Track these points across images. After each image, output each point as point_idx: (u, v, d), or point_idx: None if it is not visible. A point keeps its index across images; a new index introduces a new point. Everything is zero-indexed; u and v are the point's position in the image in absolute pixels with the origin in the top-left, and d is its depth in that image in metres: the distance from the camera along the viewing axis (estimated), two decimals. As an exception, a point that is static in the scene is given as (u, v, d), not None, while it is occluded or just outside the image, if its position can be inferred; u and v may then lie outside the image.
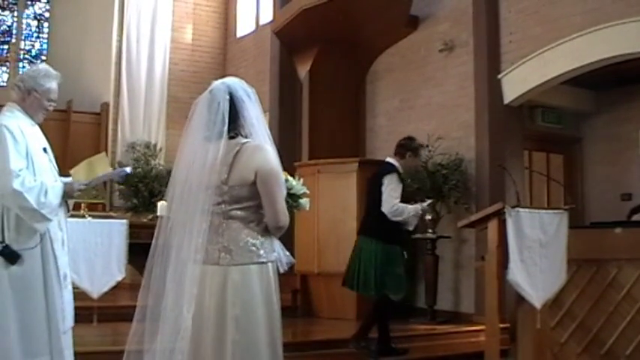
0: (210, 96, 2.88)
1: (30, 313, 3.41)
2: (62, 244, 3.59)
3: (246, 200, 2.83)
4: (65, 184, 3.61)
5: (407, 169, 5.47)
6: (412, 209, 5.30)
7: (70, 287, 3.64)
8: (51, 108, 3.68)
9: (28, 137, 3.50)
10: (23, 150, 3.43)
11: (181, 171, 2.86)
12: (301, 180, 3.19)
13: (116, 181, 9.73)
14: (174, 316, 2.76)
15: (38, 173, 3.48)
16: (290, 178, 3.10)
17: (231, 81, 2.94)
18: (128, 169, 4.18)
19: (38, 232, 3.45)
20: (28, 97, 3.57)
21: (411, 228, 5.39)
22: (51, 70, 3.70)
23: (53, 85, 3.63)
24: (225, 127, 2.82)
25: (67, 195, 3.59)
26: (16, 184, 3.33)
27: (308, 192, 3.18)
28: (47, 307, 3.45)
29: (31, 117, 3.61)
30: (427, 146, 7.22)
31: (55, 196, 3.48)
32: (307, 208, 3.17)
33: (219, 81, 2.94)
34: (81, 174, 3.78)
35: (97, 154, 8.72)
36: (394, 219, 5.26)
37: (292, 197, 3.06)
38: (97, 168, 3.87)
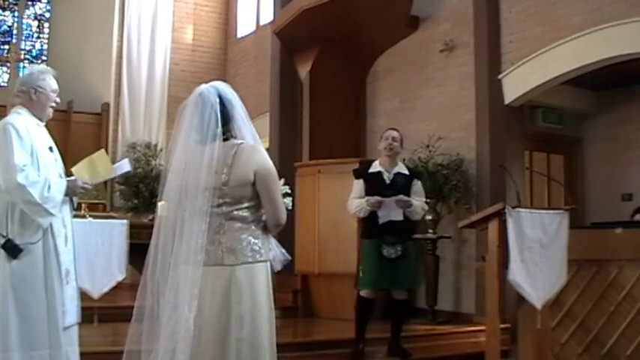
0: (200, 99, 2.92)
1: (30, 307, 3.46)
2: (65, 240, 3.65)
3: (247, 200, 2.88)
4: (69, 180, 3.68)
5: (383, 157, 5.47)
6: (356, 203, 5.37)
7: (73, 284, 3.70)
8: (58, 100, 3.80)
9: (33, 135, 3.59)
10: (28, 147, 3.52)
11: (175, 174, 2.90)
12: (282, 180, 3.27)
13: (116, 181, 9.76)
14: (174, 317, 2.78)
15: (43, 170, 3.55)
16: None
17: (217, 84, 2.99)
18: (127, 163, 4.17)
19: (41, 228, 3.50)
20: (34, 96, 3.68)
21: (380, 220, 5.26)
22: (45, 67, 3.88)
23: (52, 79, 3.77)
24: (219, 130, 2.87)
25: (70, 191, 3.66)
26: (21, 179, 3.41)
27: (290, 192, 3.30)
28: (47, 301, 3.50)
29: (39, 116, 3.72)
30: (428, 146, 7.24)
31: (58, 191, 3.55)
32: (290, 207, 3.27)
33: (207, 85, 2.98)
34: (83, 173, 3.80)
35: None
36: (350, 214, 5.55)
37: None
38: (99, 165, 3.88)
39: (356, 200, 5.40)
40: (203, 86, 2.98)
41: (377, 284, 5.33)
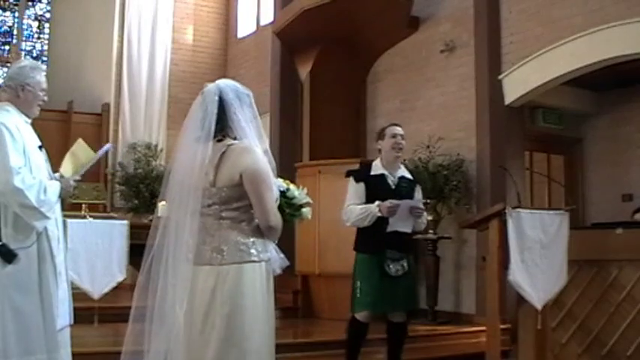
0: (201, 98, 2.91)
1: (26, 312, 3.41)
2: (58, 241, 3.59)
3: (235, 201, 2.85)
4: (61, 181, 3.61)
5: (388, 158, 4.73)
6: (358, 211, 4.57)
7: (64, 285, 3.63)
8: (45, 99, 3.70)
9: (24, 135, 3.51)
10: (21, 148, 3.43)
11: (174, 172, 2.90)
12: (305, 189, 3.13)
13: (117, 181, 9.77)
14: (170, 316, 2.78)
15: (35, 171, 3.48)
16: (292, 187, 3.08)
17: (223, 83, 2.95)
18: (108, 145, 4.16)
19: (35, 231, 3.43)
20: (22, 93, 3.57)
21: (389, 228, 4.53)
22: (35, 62, 3.82)
23: (42, 76, 3.67)
24: (212, 129, 2.84)
25: (64, 192, 3.58)
26: (17, 182, 3.32)
27: (311, 201, 3.12)
28: (43, 305, 3.45)
29: (26, 113, 3.61)
30: (428, 147, 7.24)
31: (53, 193, 3.48)
32: (309, 218, 3.12)
33: (213, 83, 2.95)
34: (69, 169, 3.75)
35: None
36: (347, 224, 4.74)
37: (293, 207, 3.03)
38: (80, 155, 3.82)
39: (357, 207, 4.60)
40: (209, 84, 2.95)
41: (378, 307, 4.61)
